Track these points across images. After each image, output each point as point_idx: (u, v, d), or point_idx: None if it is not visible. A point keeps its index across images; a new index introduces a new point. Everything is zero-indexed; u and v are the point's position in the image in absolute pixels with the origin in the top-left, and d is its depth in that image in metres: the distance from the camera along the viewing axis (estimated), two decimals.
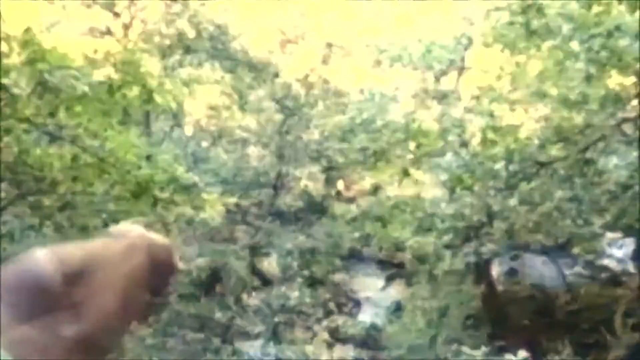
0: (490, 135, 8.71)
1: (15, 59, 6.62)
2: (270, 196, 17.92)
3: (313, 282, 17.28)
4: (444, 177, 9.04)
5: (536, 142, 8.44)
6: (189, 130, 17.30)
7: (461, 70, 16.07)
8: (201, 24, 15.97)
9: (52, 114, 7.00)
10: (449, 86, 16.26)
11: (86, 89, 6.73)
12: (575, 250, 10.87)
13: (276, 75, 17.21)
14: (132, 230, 0.93)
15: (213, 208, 11.26)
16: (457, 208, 9.45)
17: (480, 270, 12.34)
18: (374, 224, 10.72)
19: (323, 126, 17.36)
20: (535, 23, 7.35)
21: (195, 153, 16.03)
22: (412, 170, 11.91)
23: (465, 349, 8.77)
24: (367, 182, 16.30)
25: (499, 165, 8.22)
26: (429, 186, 9.61)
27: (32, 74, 6.29)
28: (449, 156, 8.96)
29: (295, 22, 17.49)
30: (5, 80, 5.96)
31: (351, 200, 17.94)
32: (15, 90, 5.92)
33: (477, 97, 9.66)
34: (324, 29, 17.61)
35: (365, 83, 15.98)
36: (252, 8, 17.09)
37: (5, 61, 6.26)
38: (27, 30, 6.83)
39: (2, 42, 6.42)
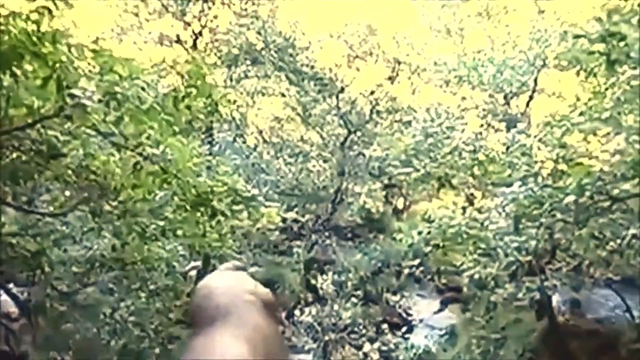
0: (562, 166, 8.34)
1: (85, 67, 6.71)
2: (329, 211, 17.80)
3: (367, 301, 17.06)
4: (510, 207, 8.69)
5: (610, 176, 8.00)
6: (251, 141, 17.39)
7: (532, 93, 15.62)
8: (269, 36, 16.06)
9: (117, 123, 7.06)
10: (518, 109, 15.84)
11: (153, 100, 6.77)
12: None
13: (342, 90, 17.13)
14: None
15: (271, 221, 11.25)
16: (522, 241, 9.08)
17: (543, 305, 11.84)
18: (434, 251, 10.43)
19: (386, 143, 17.17)
20: (616, 52, 6.95)
21: (256, 164, 16.08)
22: (477, 198, 11.59)
23: None
24: (429, 206, 15.98)
25: (570, 199, 7.82)
26: (493, 216, 9.27)
27: (101, 84, 6.35)
28: (516, 186, 8.60)
29: (364, 38, 17.37)
30: (74, 90, 6.02)
31: (411, 221, 17.63)
32: (84, 100, 5.97)
33: (549, 124, 9.24)
34: (392, 45, 17.43)
35: (432, 102, 15.71)
36: (320, 22, 17.08)
37: (75, 70, 6.33)
38: (96, 40, 6.91)
39: (73, 50, 6.51)
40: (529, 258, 9.33)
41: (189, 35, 16.13)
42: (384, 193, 19.48)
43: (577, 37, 7.36)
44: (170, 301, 9.51)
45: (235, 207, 8.86)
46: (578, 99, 8.85)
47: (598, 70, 8.32)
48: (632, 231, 8.69)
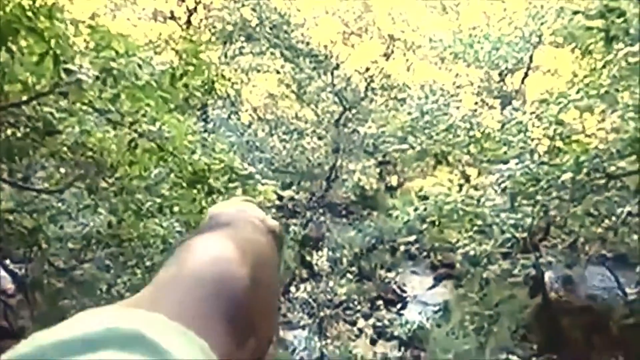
0: (558, 143, 8.35)
1: (82, 43, 6.66)
2: (323, 188, 17.82)
3: (361, 278, 17.16)
4: (506, 185, 8.70)
5: (606, 153, 8.03)
6: (245, 118, 17.32)
7: (528, 70, 15.59)
8: (264, 13, 15.92)
9: (113, 100, 7.03)
10: (513, 86, 15.82)
11: (149, 77, 6.74)
12: (639, 268, 10.38)
13: (337, 67, 17.05)
14: (253, 210, 0.83)
15: (267, 199, 11.26)
16: (518, 218, 9.11)
17: (537, 282, 11.94)
18: (430, 229, 10.46)
19: (381, 120, 17.13)
20: (615, 28, 6.93)
21: (250, 141, 16.03)
22: (472, 176, 11.60)
23: (514, 358, 8.51)
24: (424, 183, 16.01)
25: (566, 176, 7.84)
26: (489, 193, 9.29)
27: (97, 61, 6.30)
28: (512, 163, 8.60)
29: (359, 14, 17.25)
30: (70, 66, 5.97)
31: (405, 198, 17.67)
32: (80, 76, 5.92)
33: (545, 101, 9.23)
34: (387, 22, 17.32)
35: (427, 79, 15.66)
36: None
37: (71, 46, 6.28)
38: (94, 15, 6.85)
39: (69, 27, 6.45)
40: (524, 235, 9.39)
41: (183, 12, 15.97)
42: (378, 170, 19.49)
43: (575, 13, 7.33)
44: None
45: (231, 185, 8.87)
46: (575, 76, 8.83)
47: (594, 47, 8.31)
48: (627, 208, 8.74)
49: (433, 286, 19.55)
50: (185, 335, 0.50)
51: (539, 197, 8.42)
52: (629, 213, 8.72)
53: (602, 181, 8.11)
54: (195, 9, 15.98)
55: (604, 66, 8.10)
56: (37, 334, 0.46)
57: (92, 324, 0.47)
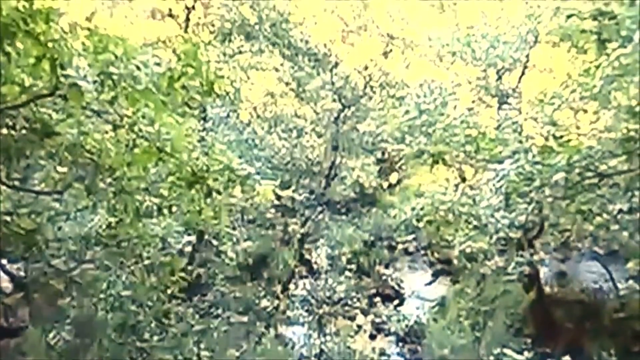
0: (552, 143, 8.44)
1: (79, 46, 6.70)
2: (322, 186, 17.90)
3: (360, 274, 17.27)
4: (500, 184, 8.80)
5: (598, 153, 8.12)
6: (244, 116, 17.37)
7: (524, 69, 15.64)
8: (263, 11, 15.96)
9: (111, 101, 7.08)
10: (510, 85, 15.87)
11: (147, 80, 6.78)
12: (629, 264, 10.50)
13: (335, 65, 17.09)
14: None
15: (264, 198, 11.33)
16: (512, 217, 9.22)
17: (532, 278, 12.05)
18: (427, 226, 10.56)
19: (380, 118, 17.20)
20: (607, 30, 7.01)
21: (249, 139, 16.10)
22: (468, 175, 11.69)
23: (509, 352, 8.62)
24: (422, 181, 16.10)
25: (560, 175, 7.94)
26: (484, 192, 9.38)
27: (96, 64, 6.36)
28: (507, 163, 8.70)
29: (358, 13, 17.29)
30: (69, 71, 6.04)
31: (404, 196, 17.75)
32: (79, 81, 5.99)
33: (541, 102, 9.32)
34: (386, 20, 17.36)
35: (425, 77, 15.71)
36: None
37: (68, 49, 6.33)
38: (91, 17, 6.89)
39: (67, 29, 6.50)
40: (519, 233, 9.49)
41: (181, 10, 15.98)
42: (377, 167, 19.57)
43: (569, 16, 7.41)
44: (166, 277, 9.61)
45: (230, 185, 8.93)
46: (569, 76, 8.91)
47: (589, 47, 8.39)
48: (619, 206, 8.86)
49: (431, 282, 19.73)
50: None
51: (532, 196, 8.52)
52: (620, 210, 8.83)
53: (594, 180, 8.20)
54: (193, 7, 16.00)
55: (597, 67, 8.16)
56: None
57: None
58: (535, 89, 11.67)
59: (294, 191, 16.71)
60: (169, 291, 9.56)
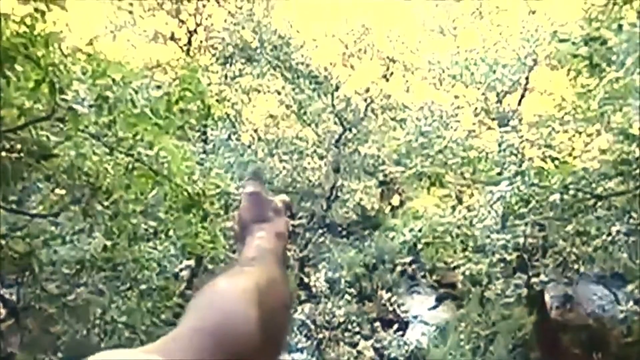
0: (548, 165, 8.47)
1: (78, 70, 6.78)
2: (324, 208, 17.89)
3: (361, 298, 17.15)
4: (497, 206, 8.82)
5: (594, 174, 8.15)
6: (245, 139, 17.47)
7: (524, 91, 15.72)
8: (264, 34, 16.14)
9: (109, 125, 7.15)
10: (510, 107, 15.93)
11: (145, 103, 6.86)
12: (630, 287, 10.46)
13: (337, 88, 17.21)
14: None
15: None
16: (509, 239, 9.22)
17: (533, 300, 11.98)
18: (426, 249, 10.57)
19: (381, 140, 17.27)
20: (598, 55, 7.08)
21: (250, 161, 16.15)
22: (466, 197, 11.70)
23: None
24: (422, 203, 16.09)
25: (555, 197, 7.96)
26: (482, 214, 9.39)
27: (94, 88, 6.43)
28: (503, 185, 8.73)
29: (358, 36, 17.45)
30: (67, 95, 6.11)
31: (405, 218, 17.72)
32: (76, 106, 6.07)
33: (536, 124, 9.38)
34: (386, 44, 17.52)
35: (426, 100, 15.80)
36: (315, 20, 17.17)
37: (67, 73, 6.41)
38: (91, 42, 6.99)
39: (67, 53, 6.60)
40: (516, 255, 9.48)
41: (183, 33, 16.19)
42: (379, 190, 19.57)
43: (561, 41, 7.48)
44: (162, 301, 9.55)
45: (227, 208, 8.96)
46: (563, 99, 8.97)
47: (583, 71, 8.45)
48: (616, 228, 8.86)
49: (434, 307, 19.52)
50: None
51: (529, 218, 8.53)
52: (618, 232, 8.84)
53: (591, 202, 8.22)
54: (195, 30, 16.20)
55: (591, 90, 8.23)
56: None
57: None
58: (535, 112, 11.75)
59: (296, 213, 16.70)
60: (163, 316, 9.49)
